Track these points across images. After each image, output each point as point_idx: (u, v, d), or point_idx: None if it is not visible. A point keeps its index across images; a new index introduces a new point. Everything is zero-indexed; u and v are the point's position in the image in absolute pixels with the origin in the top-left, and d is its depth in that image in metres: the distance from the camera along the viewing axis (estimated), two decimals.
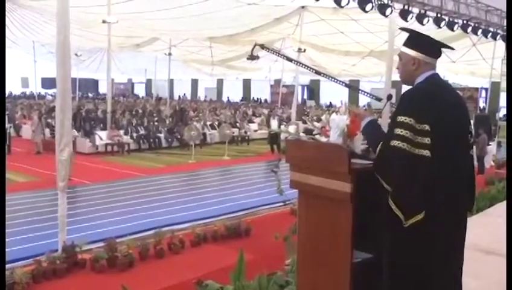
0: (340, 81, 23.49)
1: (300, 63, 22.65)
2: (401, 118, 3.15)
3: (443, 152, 3.11)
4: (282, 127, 21.63)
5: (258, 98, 50.91)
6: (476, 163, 15.30)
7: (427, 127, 3.09)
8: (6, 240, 8.19)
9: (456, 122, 3.23)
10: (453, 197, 3.18)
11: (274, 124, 22.52)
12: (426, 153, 3.08)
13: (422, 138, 3.09)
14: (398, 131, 3.13)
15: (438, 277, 3.16)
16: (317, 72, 24.22)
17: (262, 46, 22.55)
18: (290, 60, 23.05)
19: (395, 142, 3.12)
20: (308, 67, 23.43)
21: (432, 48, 3.36)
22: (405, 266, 3.16)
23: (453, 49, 3.42)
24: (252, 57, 23.85)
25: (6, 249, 7.72)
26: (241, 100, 50.13)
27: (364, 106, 35.64)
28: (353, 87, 28.81)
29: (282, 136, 17.95)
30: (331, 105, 43.50)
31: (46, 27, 24.32)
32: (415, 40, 3.39)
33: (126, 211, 11.15)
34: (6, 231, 8.54)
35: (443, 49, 3.47)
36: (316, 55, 29.94)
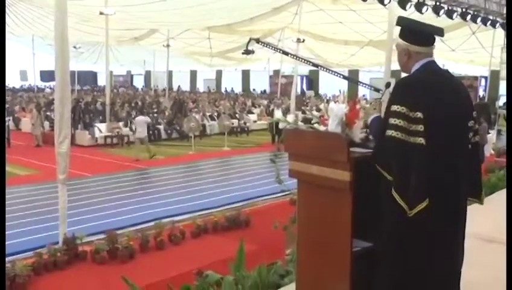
0: (338, 73, 23.40)
1: (296, 57, 22.53)
2: (394, 107, 3.13)
3: (438, 139, 3.09)
4: (281, 116, 21.58)
5: (254, 89, 50.69)
6: None
7: (419, 115, 3.07)
8: (7, 233, 8.23)
9: (452, 108, 3.19)
10: (453, 183, 3.16)
11: (278, 114, 22.46)
12: (420, 140, 3.06)
13: (416, 125, 3.07)
14: (392, 120, 3.12)
15: (439, 265, 3.16)
16: (315, 65, 24.14)
17: (258, 40, 22.43)
18: (286, 53, 22.93)
19: (390, 132, 3.11)
20: (305, 60, 23.33)
21: (421, 37, 3.31)
22: (407, 255, 3.16)
23: (442, 35, 3.39)
24: (247, 52, 23.68)
25: (7, 242, 7.77)
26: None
27: (364, 95, 35.68)
28: (351, 79, 28.72)
29: (281, 125, 17.94)
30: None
31: (45, 20, 24.22)
32: (405, 31, 3.37)
33: (126, 203, 11.17)
34: (7, 223, 8.58)
35: (442, 38, 3.45)
36: (315, 45, 29.86)
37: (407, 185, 3.06)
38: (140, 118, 19.04)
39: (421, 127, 3.07)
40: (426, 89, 3.17)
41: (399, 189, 3.08)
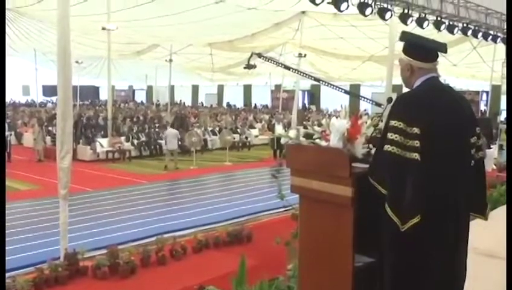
0: (339, 87, 23.43)
1: (298, 71, 22.57)
2: (392, 122, 3.16)
3: (435, 154, 3.09)
4: (283, 131, 21.59)
5: (256, 105, 50.74)
6: None
7: (416, 130, 3.08)
8: (8, 248, 8.21)
9: (451, 124, 3.19)
10: (449, 199, 3.15)
11: (280, 129, 22.50)
12: (416, 156, 3.06)
13: (412, 141, 3.08)
14: (389, 135, 3.14)
15: (439, 278, 3.15)
16: (316, 79, 24.18)
17: (259, 55, 22.50)
18: (288, 68, 22.98)
19: (386, 147, 3.13)
20: (306, 74, 23.37)
21: (424, 53, 3.32)
22: (405, 269, 3.15)
23: (445, 51, 3.39)
24: (249, 66, 23.77)
25: (8, 257, 7.75)
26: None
27: (365, 110, 35.70)
28: (352, 93, 28.76)
29: (283, 140, 17.95)
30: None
31: (48, 36, 24.35)
32: (408, 47, 3.39)
33: (128, 218, 11.14)
34: (8, 239, 8.56)
35: (443, 53, 3.45)
36: (316, 60, 29.92)
37: (400, 200, 3.06)
38: (171, 130, 20.20)
39: (417, 143, 3.08)
40: (425, 105, 3.18)
41: (391, 203, 3.10)
